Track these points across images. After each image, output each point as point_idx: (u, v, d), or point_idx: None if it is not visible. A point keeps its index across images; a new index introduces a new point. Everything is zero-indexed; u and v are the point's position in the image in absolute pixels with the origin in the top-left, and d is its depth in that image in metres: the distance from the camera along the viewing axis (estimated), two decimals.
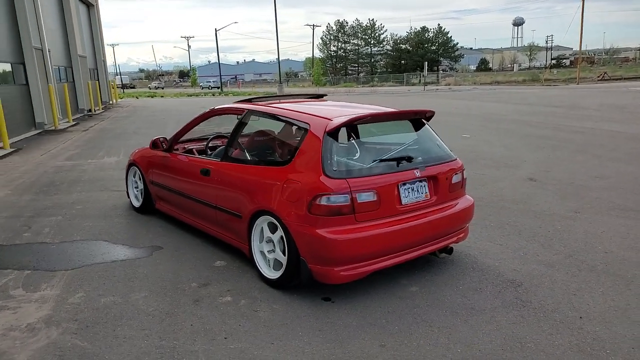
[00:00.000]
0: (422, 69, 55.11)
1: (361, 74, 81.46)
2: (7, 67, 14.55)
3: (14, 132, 14.19)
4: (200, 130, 5.73)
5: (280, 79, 43.37)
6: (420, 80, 62.16)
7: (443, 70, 75.96)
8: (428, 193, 3.92)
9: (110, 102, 29.80)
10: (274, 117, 4.23)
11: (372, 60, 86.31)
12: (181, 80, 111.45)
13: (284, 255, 3.69)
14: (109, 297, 3.74)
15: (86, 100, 22.17)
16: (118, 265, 4.35)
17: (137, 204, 5.97)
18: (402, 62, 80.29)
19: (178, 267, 4.29)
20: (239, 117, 4.52)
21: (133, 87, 79.19)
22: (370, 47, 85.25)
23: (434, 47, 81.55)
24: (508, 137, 12.21)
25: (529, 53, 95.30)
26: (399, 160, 3.79)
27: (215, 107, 4.98)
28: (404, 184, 3.75)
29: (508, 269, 4.21)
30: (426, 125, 4.35)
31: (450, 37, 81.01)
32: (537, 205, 6.13)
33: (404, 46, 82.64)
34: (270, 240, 3.86)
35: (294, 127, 4.09)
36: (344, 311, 3.49)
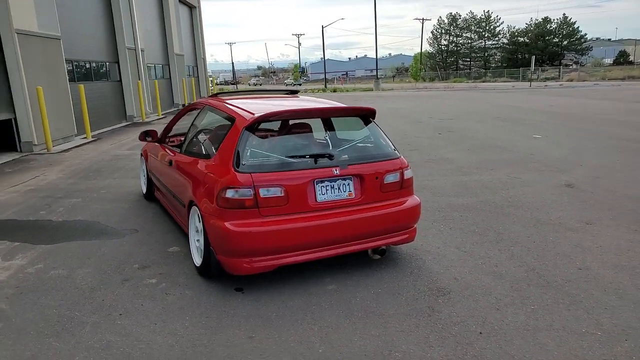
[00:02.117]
0: (542, 62, 51.23)
1: (473, 69, 77.96)
2: (104, 65, 16.51)
3: (108, 123, 16.10)
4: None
5: (377, 75, 43.25)
6: (538, 75, 57.89)
7: (566, 65, 69.71)
8: (352, 192, 3.87)
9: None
10: (216, 112, 4.46)
11: (486, 55, 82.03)
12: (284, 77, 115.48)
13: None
14: (59, 270, 4.26)
15: (181, 96, 24.23)
16: (88, 244, 4.90)
17: (144, 190, 6.57)
18: (519, 56, 75.22)
19: (135, 250, 4.72)
20: (199, 111, 4.82)
21: (234, 84, 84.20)
22: (484, 40, 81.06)
23: (557, 40, 75.14)
24: (587, 139, 11.09)
25: None
26: (317, 157, 3.80)
27: (191, 102, 5.34)
28: (322, 181, 3.76)
29: (448, 277, 4.00)
30: (372, 123, 4.28)
31: (577, 27, 73.90)
32: (548, 214, 5.62)
33: (521, 39, 77.34)
34: (198, 230, 4.11)
35: (227, 122, 4.29)
36: (246, 302, 3.62)
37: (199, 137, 4.82)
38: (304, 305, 3.57)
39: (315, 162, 3.78)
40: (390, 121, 16.05)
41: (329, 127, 4.40)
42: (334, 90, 47.61)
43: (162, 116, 19.69)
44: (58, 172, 8.72)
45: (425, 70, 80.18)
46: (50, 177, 8.28)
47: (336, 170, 3.78)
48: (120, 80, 17.37)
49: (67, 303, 3.65)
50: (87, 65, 15.30)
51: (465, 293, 3.72)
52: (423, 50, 79.99)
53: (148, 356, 2.96)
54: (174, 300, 3.67)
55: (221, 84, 77.81)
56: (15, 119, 10.77)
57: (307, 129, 4.27)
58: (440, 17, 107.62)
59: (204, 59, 31.60)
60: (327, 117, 4.34)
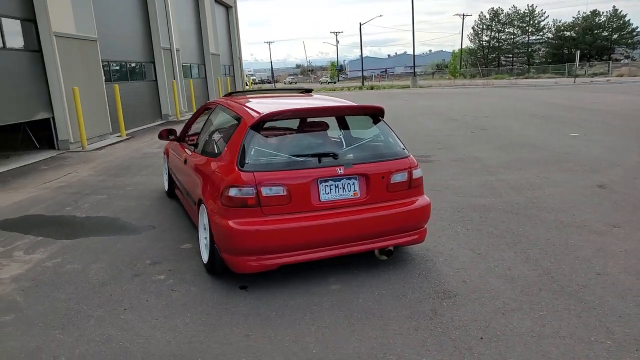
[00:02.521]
0: (589, 57, 49.18)
1: (515, 65, 75.75)
2: (140, 65, 17.00)
3: (144, 121, 16.59)
4: None
5: (414, 72, 42.68)
6: (585, 71, 55.70)
7: (616, 59, 66.66)
8: (358, 191, 3.83)
9: None
10: (227, 111, 4.50)
11: (529, 50, 79.53)
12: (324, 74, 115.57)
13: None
14: (75, 264, 4.41)
15: (216, 94, 24.67)
16: (106, 240, 5.05)
17: (166, 187, 6.73)
18: (565, 51, 72.52)
19: (149, 246, 4.83)
20: (212, 110, 4.88)
21: (270, 82, 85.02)
22: (528, 35, 78.62)
23: (606, 33, 72.00)
24: (629, 137, 10.58)
25: None
26: (321, 156, 3.78)
27: (207, 102, 5.42)
28: (326, 181, 3.73)
29: (457, 279, 3.90)
30: (381, 122, 4.22)
31: (628, 20, 70.56)
32: (573, 215, 5.39)
33: (568, 33, 74.54)
34: (205, 228, 4.16)
35: (235, 121, 4.31)
36: (248, 300, 3.64)
37: (209, 136, 4.88)
38: (304, 304, 3.55)
39: (319, 161, 3.76)
40: (423, 119, 15.81)
41: (337, 126, 4.37)
42: (371, 88, 47.46)
43: None
44: (90, 169, 9.04)
45: (466, 67, 78.54)
46: (81, 174, 8.60)
47: (340, 170, 3.75)
48: (156, 79, 17.85)
49: (77, 297, 3.78)
50: (124, 66, 15.79)
51: (472, 296, 3.61)
52: (464, 47, 78.43)
53: (145, 351, 3.02)
54: (178, 297, 3.74)
55: (258, 83, 78.74)
56: (53, 118, 11.24)
57: (314, 128, 4.25)
58: (481, 12, 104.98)
59: (240, 58, 32.05)
60: (333, 116, 4.31)
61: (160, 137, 5.85)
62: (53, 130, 11.31)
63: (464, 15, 75.26)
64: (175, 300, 3.69)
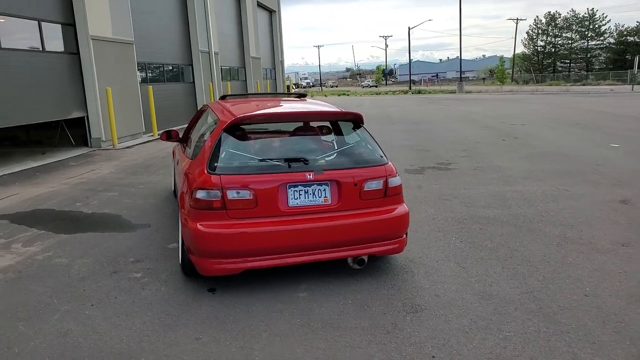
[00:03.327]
0: None
1: (572, 71, 72.61)
2: (177, 68, 17.52)
3: (180, 122, 17.04)
4: None
5: (460, 77, 41.81)
6: None
7: None
8: (329, 198, 3.76)
9: None
10: (211, 113, 4.53)
11: (588, 56, 76.02)
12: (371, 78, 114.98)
13: None
14: (63, 259, 4.57)
15: None
16: (100, 236, 5.20)
17: (173, 187, 6.86)
18: (628, 57, 68.78)
19: (137, 244, 4.93)
20: (203, 112, 4.94)
21: (313, 86, 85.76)
22: (587, 40, 75.18)
23: None
24: None
25: None
26: (291, 161, 3.73)
27: (203, 105, 5.49)
28: (295, 186, 3.69)
29: (431, 293, 3.74)
30: (361, 129, 4.14)
31: None
32: (580, 232, 5.08)
33: (631, 38, 70.72)
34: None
35: (214, 124, 4.32)
36: (211, 303, 3.64)
37: (197, 138, 4.94)
38: (266, 311, 3.51)
39: (289, 166, 3.71)
40: (456, 125, 15.42)
41: (316, 131, 4.31)
42: (419, 92, 46.99)
43: None
44: (112, 167, 9.37)
45: (520, 73, 76.03)
46: (103, 171, 8.93)
47: (310, 175, 3.69)
48: (193, 82, 18.33)
49: (52, 290, 3.90)
50: (160, 68, 16.31)
51: (439, 312, 3.46)
52: (518, 52, 75.99)
53: (95, 347, 3.07)
54: (146, 295, 3.79)
55: (305, 87, 79.34)
56: (87, 116, 11.75)
57: (289, 132, 4.21)
58: (537, 16, 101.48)
59: (282, 62, 32.44)
60: (309, 121, 4.25)
61: (161, 138, 5.96)
62: (87, 128, 11.83)
63: (517, 19, 73.03)
64: (143, 298, 3.74)
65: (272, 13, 30.99)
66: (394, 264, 4.30)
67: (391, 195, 3.93)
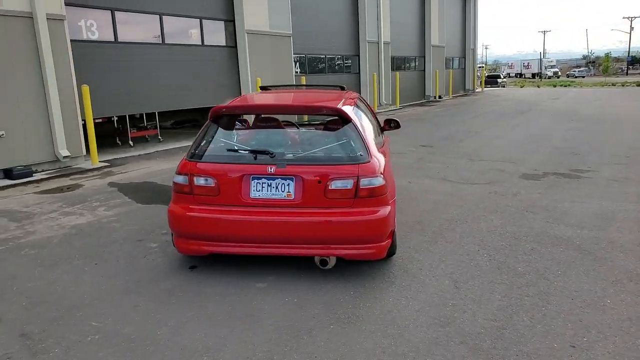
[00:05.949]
0: None
1: None
2: (342, 58, 18.30)
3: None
4: None
5: None
6: None
7: None
8: (292, 193, 3.74)
9: (473, 90, 31.49)
10: None
11: None
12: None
13: None
14: (118, 224, 5.43)
15: (432, 88, 24.51)
16: (162, 208, 5.98)
17: None
18: None
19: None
20: None
21: (534, 75, 78.10)
22: None
23: None
24: None
25: None
26: (257, 153, 3.81)
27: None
28: (259, 178, 3.77)
29: (384, 309, 3.44)
30: (350, 124, 3.95)
31: None
32: (600, 246, 3.96)
33: None
34: None
35: None
36: (177, 279, 3.95)
37: None
38: (204, 297, 3.65)
39: (255, 158, 3.80)
40: (606, 127, 12.74)
41: (304, 123, 4.26)
42: None
43: (400, 107, 20.47)
44: None
45: None
46: None
47: (271, 169, 3.72)
48: (359, 72, 18.88)
49: (84, 247, 4.74)
50: (322, 59, 17.22)
51: (371, 328, 3.18)
52: None
53: (57, 297, 3.69)
54: (141, 263, 4.32)
55: (549, 77, 72.69)
56: None
57: (273, 125, 4.24)
58: None
59: (474, 50, 30.84)
60: (293, 114, 4.22)
61: None
62: None
63: None
64: (134, 265, 4.29)
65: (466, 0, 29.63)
66: (385, 270, 4.02)
67: (365, 196, 3.69)
